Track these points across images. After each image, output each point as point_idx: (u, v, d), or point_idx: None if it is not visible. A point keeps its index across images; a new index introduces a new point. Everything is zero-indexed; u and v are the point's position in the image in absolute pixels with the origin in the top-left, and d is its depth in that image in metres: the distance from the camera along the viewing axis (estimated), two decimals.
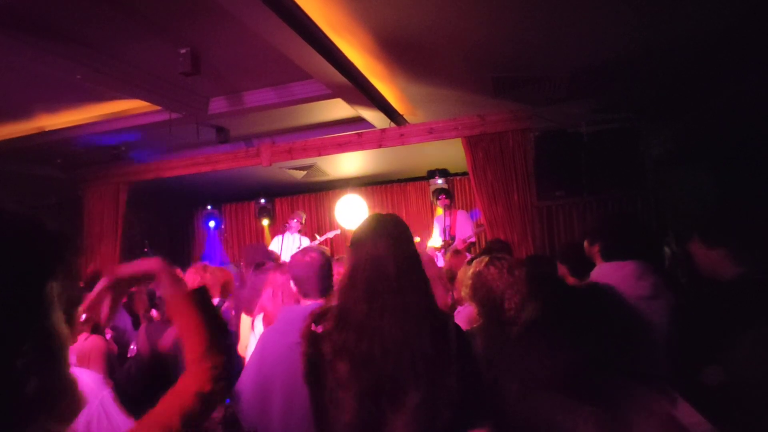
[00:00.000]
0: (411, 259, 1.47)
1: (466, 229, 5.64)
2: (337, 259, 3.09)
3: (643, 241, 2.33)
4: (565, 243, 4.52)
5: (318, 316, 1.48)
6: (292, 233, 6.32)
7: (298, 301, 2.57)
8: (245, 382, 2.02)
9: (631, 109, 4.87)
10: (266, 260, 4.12)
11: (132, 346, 2.71)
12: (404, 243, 1.49)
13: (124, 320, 3.63)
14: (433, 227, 6.16)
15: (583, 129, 4.83)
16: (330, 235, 6.93)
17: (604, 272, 2.21)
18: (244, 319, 3.21)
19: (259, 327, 2.71)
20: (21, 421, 0.56)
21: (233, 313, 3.56)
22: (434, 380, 1.35)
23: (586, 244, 2.36)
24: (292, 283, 2.24)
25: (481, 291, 1.83)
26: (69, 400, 0.62)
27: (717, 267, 1.76)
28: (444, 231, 5.67)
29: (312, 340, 1.44)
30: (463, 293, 1.95)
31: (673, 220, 4.83)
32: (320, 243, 6.55)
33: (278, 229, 8.29)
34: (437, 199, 5.86)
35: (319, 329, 1.45)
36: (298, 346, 1.49)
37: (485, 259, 1.89)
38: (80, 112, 4.64)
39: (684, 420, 0.80)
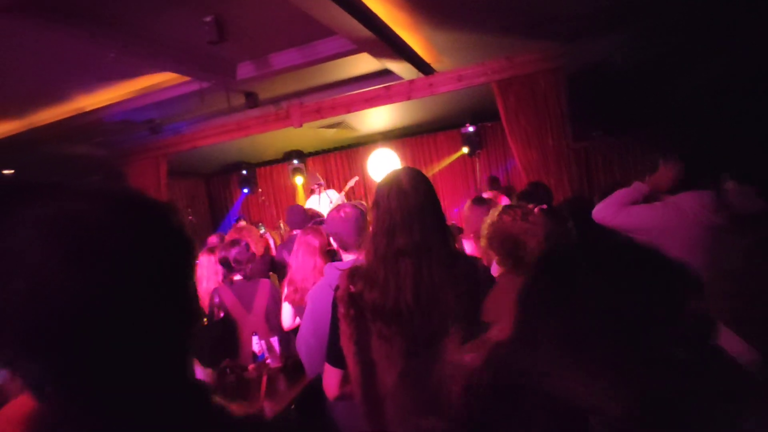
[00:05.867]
0: (424, 210, 1.48)
1: None
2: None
3: (714, 173, 2.35)
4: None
5: (352, 276, 1.50)
6: (320, 194, 6.76)
7: (318, 259, 2.69)
8: (302, 337, 2.16)
9: (672, 39, 4.59)
10: (305, 220, 4.22)
11: (216, 310, 2.90)
12: (416, 195, 1.48)
13: None
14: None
15: (619, 64, 4.60)
16: (351, 183, 7.02)
17: (685, 198, 2.25)
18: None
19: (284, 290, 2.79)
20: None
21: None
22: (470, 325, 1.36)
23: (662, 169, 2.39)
24: (331, 239, 2.33)
25: (497, 240, 1.89)
26: None
27: None
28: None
29: (351, 301, 1.46)
30: (482, 244, 2.00)
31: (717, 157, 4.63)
32: (347, 193, 6.99)
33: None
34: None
35: (353, 289, 1.47)
36: None
37: (499, 208, 1.96)
38: (114, 90, 4.74)
39: (727, 348, 0.78)
